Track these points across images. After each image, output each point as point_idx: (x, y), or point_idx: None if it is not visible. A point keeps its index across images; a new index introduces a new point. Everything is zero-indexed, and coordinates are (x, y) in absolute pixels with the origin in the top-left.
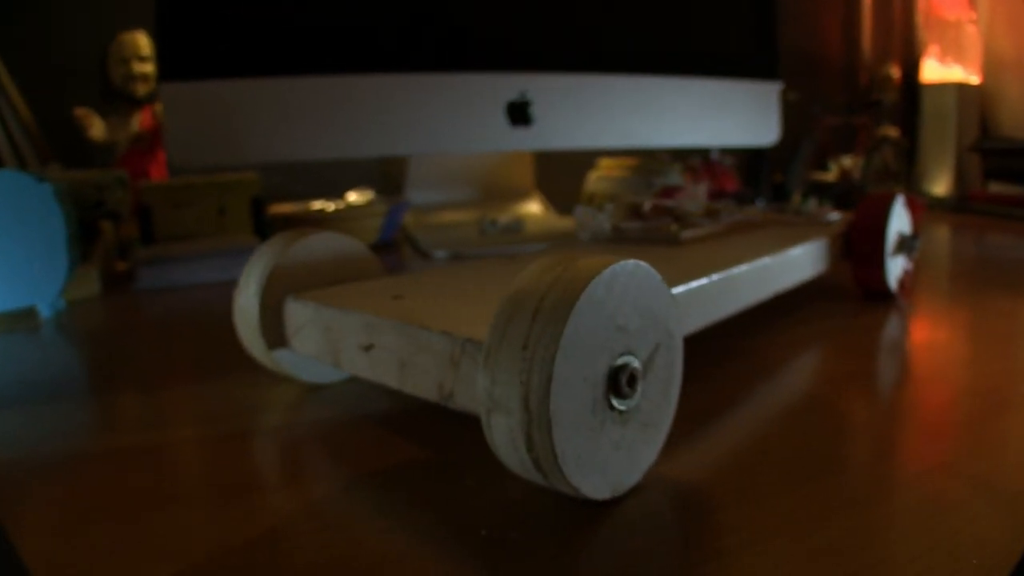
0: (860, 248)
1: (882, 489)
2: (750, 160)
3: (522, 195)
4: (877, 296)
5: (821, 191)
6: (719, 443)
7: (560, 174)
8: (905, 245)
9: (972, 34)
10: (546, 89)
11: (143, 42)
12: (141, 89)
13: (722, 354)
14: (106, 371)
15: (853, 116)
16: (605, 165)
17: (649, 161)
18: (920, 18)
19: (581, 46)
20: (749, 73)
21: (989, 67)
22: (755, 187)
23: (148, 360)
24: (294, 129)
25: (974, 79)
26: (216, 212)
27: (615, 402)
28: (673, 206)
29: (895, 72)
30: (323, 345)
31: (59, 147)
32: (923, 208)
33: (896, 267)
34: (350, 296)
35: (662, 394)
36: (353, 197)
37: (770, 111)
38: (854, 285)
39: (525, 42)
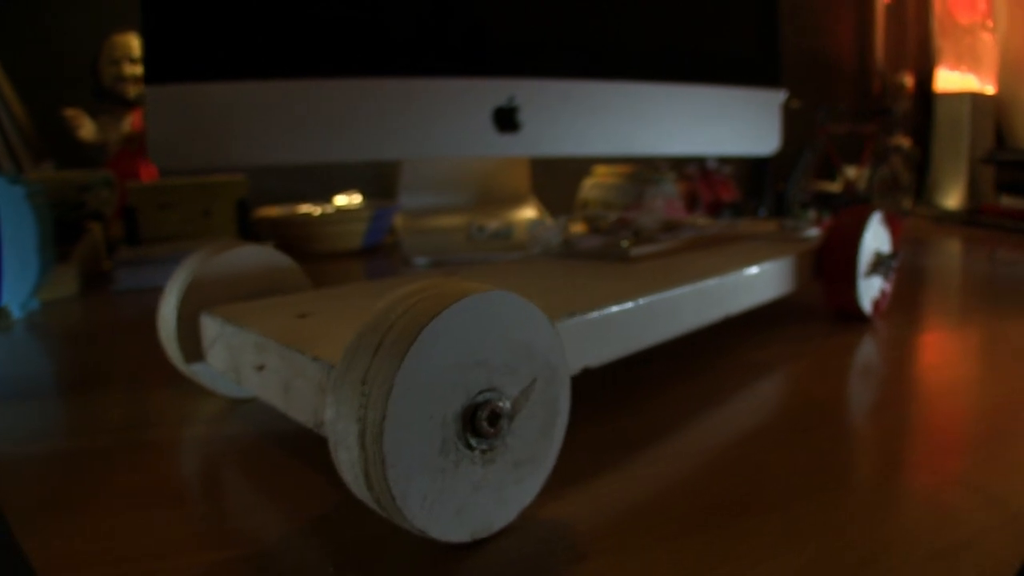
0: (831, 267)
1: (797, 539)
2: (753, 169)
3: (518, 200)
4: (851, 318)
5: (824, 202)
6: (629, 481)
7: (558, 180)
8: (882, 264)
9: (988, 42)
10: (535, 94)
11: (135, 43)
12: (132, 90)
13: (669, 378)
14: (57, 374)
15: (860, 124)
16: (600, 172)
17: (643, 169)
18: (935, 25)
19: (572, 51)
20: (749, 80)
21: (1005, 76)
22: (757, 197)
23: (98, 363)
24: (278, 133)
25: (989, 88)
26: (201, 214)
27: (473, 441)
28: (630, 220)
29: (908, 80)
30: (228, 362)
31: (57, 147)
32: (903, 225)
33: (871, 288)
34: (255, 313)
35: (541, 431)
36: (341, 200)
37: (771, 119)
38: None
39: (514, 46)
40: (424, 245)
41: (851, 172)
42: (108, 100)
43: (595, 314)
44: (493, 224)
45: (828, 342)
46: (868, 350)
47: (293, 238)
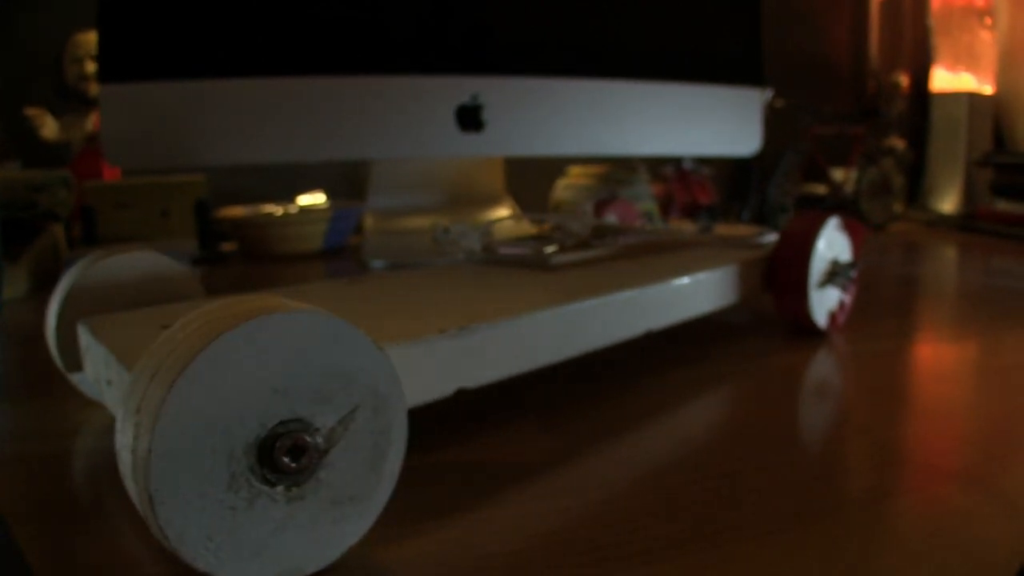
0: (781, 277)
1: None
2: (737, 171)
3: (492, 201)
4: (807, 332)
5: (809, 205)
6: (494, 522)
7: (534, 180)
8: (839, 274)
9: (986, 40)
10: (500, 93)
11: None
12: (94, 89)
13: (583, 398)
14: None
15: (847, 126)
16: (574, 173)
17: (615, 170)
18: (931, 24)
19: (539, 48)
20: (730, 78)
21: (1005, 75)
22: (741, 200)
23: (22, 365)
24: (236, 132)
25: (987, 88)
26: (159, 214)
27: (272, 476)
28: (558, 225)
29: (904, 80)
30: (93, 373)
31: (24, 147)
32: (865, 233)
33: (826, 300)
34: (119, 324)
35: (368, 466)
36: (305, 201)
37: (752, 118)
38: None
39: (477, 43)
40: (385, 247)
41: (839, 175)
42: (71, 99)
43: (474, 330)
44: (457, 227)
45: (774, 359)
46: (816, 369)
47: (253, 239)
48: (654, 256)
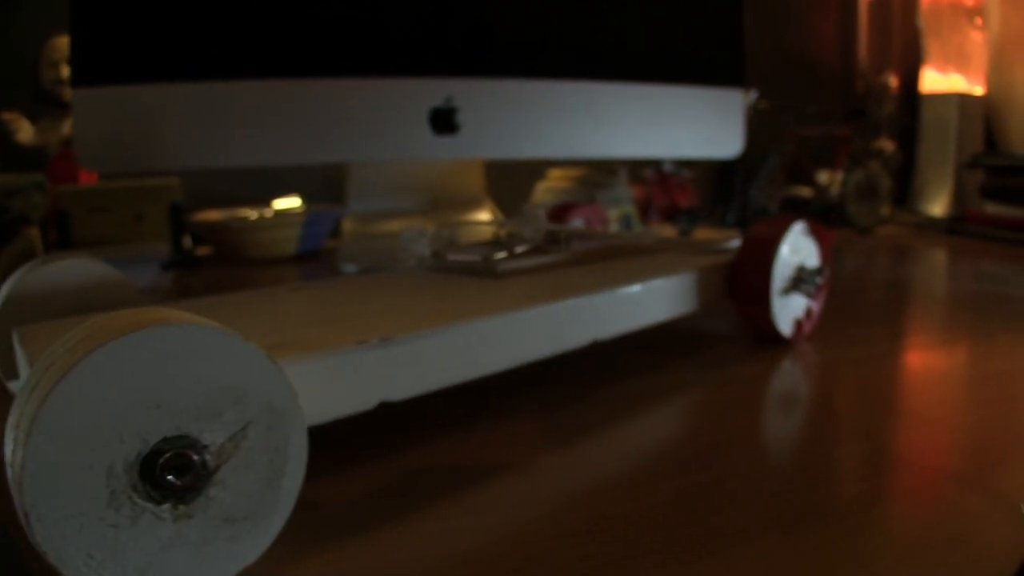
0: (743, 284)
1: None
2: (720, 174)
3: (472, 204)
4: (772, 341)
5: (794, 208)
6: (422, 537)
7: (515, 183)
8: (805, 281)
9: (977, 40)
10: (474, 95)
11: None
12: (69, 93)
13: (532, 408)
14: None
15: (832, 127)
16: (554, 176)
17: (594, 172)
18: (921, 23)
19: (515, 49)
20: (711, 78)
21: (996, 76)
22: (725, 203)
23: None
24: (210, 135)
25: (978, 89)
26: (134, 218)
27: (155, 494)
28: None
29: (893, 81)
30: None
31: (3, 151)
32: (833, 238)
33: (791, 307)
34: (46, 333)
35: (263, 482)
36: (281, 204)
37: (734, 120)
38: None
39: (452, 44)
40: (360, 252)
41: (824, 177)
42: (48, 103)
43: (396, 341)
44: (410, 232)
45: (734, 369)
46: (776, 380)
47: (227, 243)
48: (609, 262)
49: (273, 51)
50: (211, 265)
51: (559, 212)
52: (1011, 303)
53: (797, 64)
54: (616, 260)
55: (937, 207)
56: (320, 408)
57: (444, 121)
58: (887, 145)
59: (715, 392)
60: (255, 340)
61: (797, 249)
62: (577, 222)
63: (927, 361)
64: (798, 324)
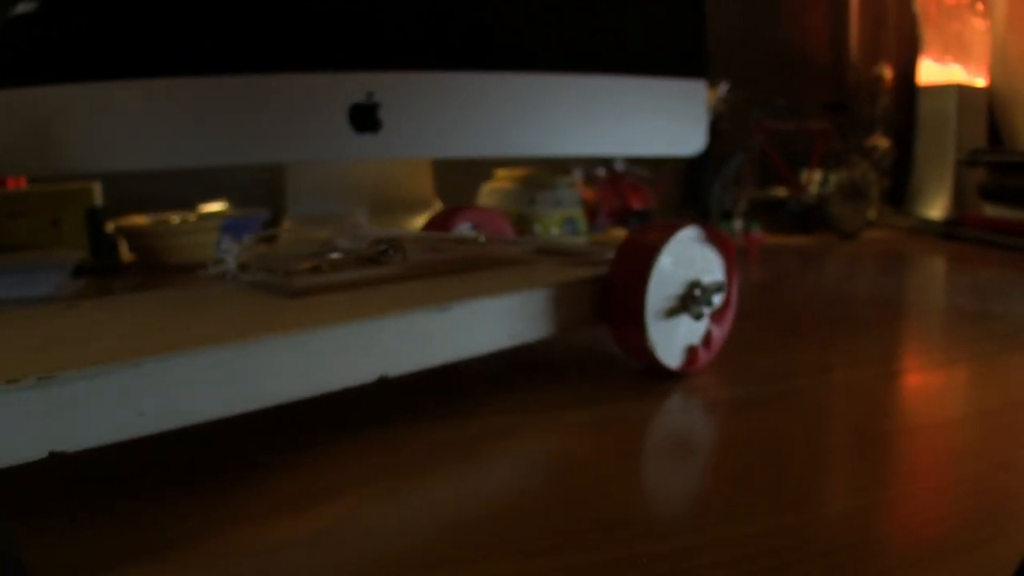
0: (614, 303)
1: None
2: (689, 172)
3: (419, 206)
4: (663, 374)
5: (769, 210)
6: None
7: (468, 183)
8: (699, 300)
9: (979, 28)
10: (398, 89)
11: None
12: None
13: (338, 453)
14: None
15: (808, 122)
16: (500, 176)
17: (537, 173)
18: (918, 9)
19: (444, 38)
20: (669, 69)
21: (1001, 66)
22: (692, 205)
23: None
24: (118, 137)
25: (980, 81)
26: (50, 223)
27: None
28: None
29: (887, 72)
30: None
31: None
32: (734, 247)
33: (680, 332)
34: None
35: None
36: (211, 208)
37: (695, 114)
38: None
39: (373, 34)
40: (255, 260)
41: (805, 177)
42: None
43: (66, 378)
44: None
45: (602, 410)
46: (655, 427)
47: (147, 249)
48: (445, 277)
49: (178, 48)
50: (131, 272)
51: (444, 217)
52: (991, 322)
53: (780, 55)
54: (458, 274)
55: (935, 209)
56: None
57: (365, 118)
58: (881, 142)
59: (565, 440)
60: None
61: (688, 260)
62: (464, 228)
63: (863, 403)
64: (692, 353)
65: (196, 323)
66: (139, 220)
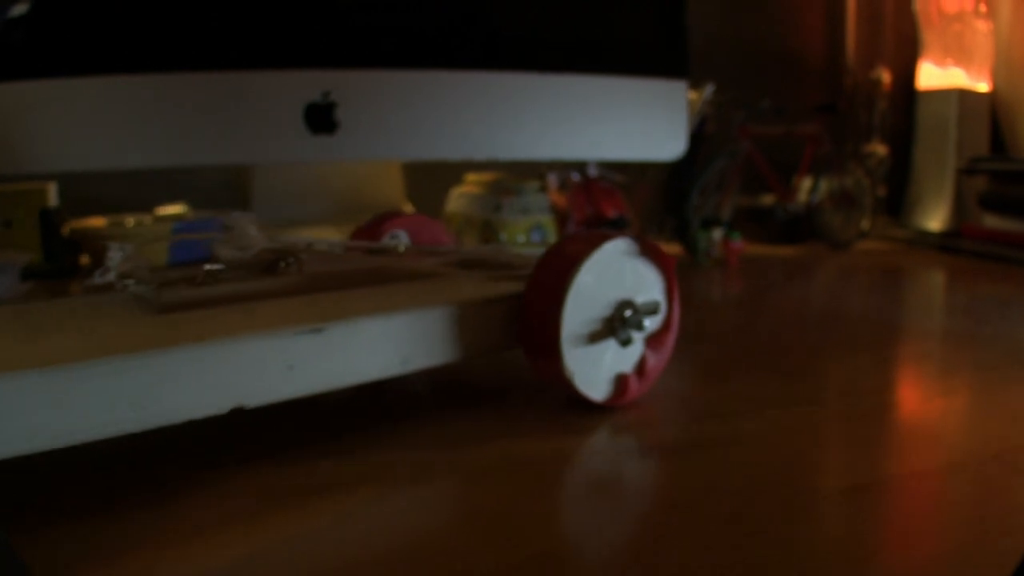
0: (528, 325)
1: None
2: (671, 179)
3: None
4: (588, 405)
5: (759, 219)
6: None
7: (440, 187)
8: (629, 323)
9: (982, 30)
10: (357, 88)
11: None
12: None
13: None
14: None
15: (798, 125)
16: (469, 180)
17: (506, 177)
18: (918, 10)
19: (406, 34)
20: (647, 68)
21: (1006, 71)
22: (677, 213)
23: None
24: (66, 136)
25: (983, 86)
26: (2, 224)
27: None
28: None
29: (885, 76)
30: None
31: None
32: (674, 262)
33: (607, 359)
34: None
35: None
36: (168, 211)
37: (675, 116)
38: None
39: (331, 30)
40: None
41: (794, 183)
42: None
43: None
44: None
45: (511, 448)
46: (570, 474)
47: (102, 252)
48: (338, 292)
49: (130, 43)
50: (86, 274)
51: (374, 224)
52: (980, 349)
53: (773, 56)
54: (355, 289)
55: (933, 219)
56: None
57: (321, 118)
58: (878, 148)
59: (461, 485)
60: None
61: (616, 278)
62: (398, 236)
63: (814, 453)
64: (622, 383)
65: (37, 342)
66: (95, 222)
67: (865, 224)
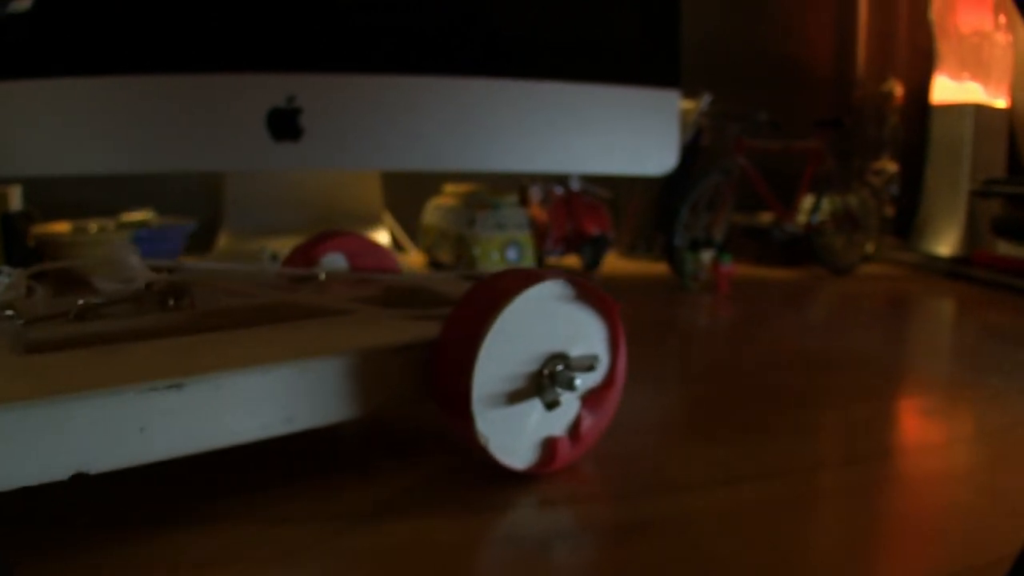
0: (438, 379)
1: None
2: (663, 195)
3: (367, 221)
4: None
5: (756, 238)
6: None
7: (420, 197)
8: (560, 379)
9: (1000, 43)
10: (323, 93)
11: None
12: None
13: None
14: None
15: (798, 140)
16: (447, 191)
17: (481, 190)
18: (932, 19)
19: (376, 37)
20: (636, 76)
21: None
22: (667, 230)
23: None
24: (29, 140)
25: (1000, 101)
26: None
27: None
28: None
29: (897, 89)
30: None
31: None
32: (617, 305)
33: (528, 421)
34: None
35: None
36: (133, 217)
37: (666, 129)
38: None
39: (296, 32)
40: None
41: (795, 202)
42: None
43: None
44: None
45: (403, 527)
46: (458, 562)
47: (64, 259)
48: (228, 332)
49: (91, 44)
50: (52, 282)
51: (310, 244)
52: (985, 403)
53: (779, 67)
54: (244, 330)
55: (944, 244)
56: None
57: (285, 124)
58: (888, 166)
59: (334, 572)
60: None
61: (546, 326)
62: (334, 259)
63: (774, 542)
64: (551, 448)
65: None
66: (58, 228)
67: (870, 247)
